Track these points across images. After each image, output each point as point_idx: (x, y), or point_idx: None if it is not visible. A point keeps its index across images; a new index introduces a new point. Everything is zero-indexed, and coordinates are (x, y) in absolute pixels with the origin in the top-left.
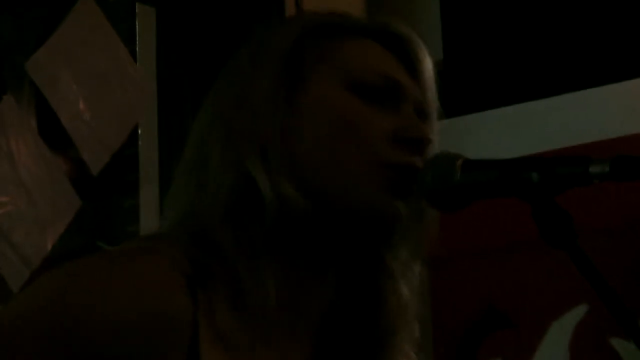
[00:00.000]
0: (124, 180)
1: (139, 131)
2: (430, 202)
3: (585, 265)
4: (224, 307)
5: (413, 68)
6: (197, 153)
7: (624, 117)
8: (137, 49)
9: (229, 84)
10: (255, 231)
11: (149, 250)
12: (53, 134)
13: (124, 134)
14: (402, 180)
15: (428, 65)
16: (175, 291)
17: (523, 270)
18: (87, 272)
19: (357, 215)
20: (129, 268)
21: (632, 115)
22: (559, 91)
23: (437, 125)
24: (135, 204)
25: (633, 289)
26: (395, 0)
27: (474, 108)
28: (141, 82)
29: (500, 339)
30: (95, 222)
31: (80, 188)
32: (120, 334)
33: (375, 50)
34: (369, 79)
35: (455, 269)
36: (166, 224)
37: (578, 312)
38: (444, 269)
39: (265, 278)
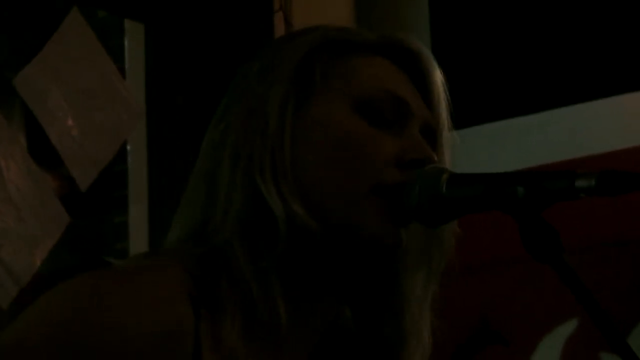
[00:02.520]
0: (113, 197)
1: (128, 147)
2: (416, 217)
3: (571, 279)
4: (230, 324)
5: (423, 84)
6: (207, 170)
7: (611, 133)
8: (125, 65)
9: (238, 101)
10: (267, 249)
11: (154, 268)
12: (43, 151)
13: (113, 150)
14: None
15: (439, 80)
16: (178, 306)
17: (513, 285)
18: (94, 289)
19: (358, 241)
20: (135, 287)
21: (619, 131)
22: (546, 107)
23: (449, 140)
24: (124, 221)
25: (626, 305)
26: (383, 15)
27: (461, 124)
28: (130, 99)
29: (491, 355)
30: (85, 239)
31: (69, 205)
32: (127, 350)
33: (384, 68)
34: (376, 99)
35: (445, 285)
36: (173, 239)
37: (568, 327)
38: None
39: (277, 297)
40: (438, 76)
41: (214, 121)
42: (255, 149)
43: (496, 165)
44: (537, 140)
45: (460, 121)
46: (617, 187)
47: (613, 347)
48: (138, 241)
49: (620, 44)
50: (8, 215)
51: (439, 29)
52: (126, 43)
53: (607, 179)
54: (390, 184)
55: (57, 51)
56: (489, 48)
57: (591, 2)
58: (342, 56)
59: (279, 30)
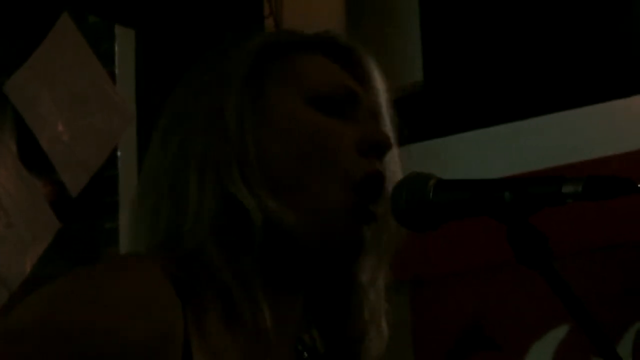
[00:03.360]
0: (103, 202)
1: (118, 153)
2: (403, 223)
3: (559, 285)
4: (216, 326)
5: (362, 78)
6: (169, 181)
7: (600, 139)
8: (116, 70)
9: (193, 112)
10: (243, 248)
11: (140, 264)
12: (33, 156)
13: (104, 155)
14: (370, 197)
15: (377, 74)
16: (168, 307)
17: (504, 290)
18: (81, 287)
19: (324, 238)
20: (123, 282)
21: (608, 137)
22: (537, 113)
23: (390, 128)
24: (114, 226)
25: (616, 311)
26: (375, 23)
27: (452, 130)
28: (120, 104)
29: (484, 359)
30: (75, 244)
31: (60, 210)
32: (117, 349)
33: (326, 64)
34: (328, 92)
35: (437, 290)
36: (140, 247)
37: (559, 333)
38: (425, 290)
39: (259, 297)
40: (376, 71)
41: (168, 129)
42: (220, 154)
43: (487, 172)
44: (528, 146)
45: (450, 128)
46: (603, 193)
47: (601, 353)
48: (128, 246)
49: (612, 50)
50: None
51: (429, 32)
52: (117, 48)
53: (594, 184)
54: (358, 175)
55: (47, 56)
56: (480, 52)
57: (583, 8)
58: (286, 56)
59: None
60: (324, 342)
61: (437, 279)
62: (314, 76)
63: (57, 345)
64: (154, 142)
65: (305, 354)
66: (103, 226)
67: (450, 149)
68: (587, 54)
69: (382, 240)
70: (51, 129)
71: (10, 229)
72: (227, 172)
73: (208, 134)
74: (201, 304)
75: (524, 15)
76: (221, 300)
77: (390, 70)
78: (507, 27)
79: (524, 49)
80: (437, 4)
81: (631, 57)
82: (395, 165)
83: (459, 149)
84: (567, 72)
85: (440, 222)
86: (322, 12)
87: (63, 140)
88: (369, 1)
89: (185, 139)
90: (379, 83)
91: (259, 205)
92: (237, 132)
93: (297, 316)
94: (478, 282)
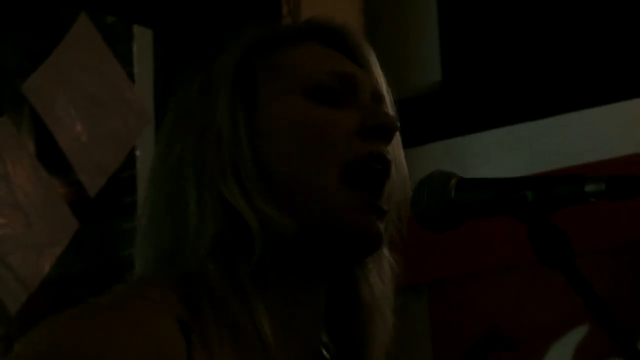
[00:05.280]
0: (121, 203)
1: (137, 153)
2: (424, 222)
3: (581, 285)
4: (220, 345)
5: (357, 58)
6: (168, 194)
7: (620, 138)
8: (134, 70)
9: (187, 122)
10: (245, 262)
11: (141, 297)
12: (51, 157)
13: (122, 156)
14: (375, 188)
15: (371, 52)
16: (168, 334)
17: (522, 291)
18: (84, 323)
19: (337, 237)
20: (123, 317)
21: (628, 136)
22: (556, 112)
23: (392, 106)
24: (132, 227)
25: (635, 310)
26: (393, 22)
27: (472, 129)
28: (139, 104)
29: None
30: (93, 245)
31: (78, 210)
32: None
33: (319, 51)
34: (322, 81)
35: (455, 292)
36: (146, 264)
37: (578, 333)
38: (443, 291)
39: (258, 313)
40: (370, 49)
41: (164, 147)
42: (215, 162)
43: (505, 171)
44: (547, 145)
45: (468, 127)
46: (626, 192)
47: (623, 353)
48: None
49: (632, 48)
50: (16, 222)
51: (448, 33)
52: (135, 48)
53: (617, 183)
54: (358, 160)
55: (65, 57)
56: (498, 52)
57: (601, 8)
58: (276, 51)
59: None
60: (332, 343)
61: (456, 281)
62: (306, 67)
63: None
64: (156, 152)
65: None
66: (121, 227)
67: (469, 148)
68: (606, 52)
69: (389, 228)
70: (69, 130)
71: (28, 229)
72: (223, 181)
73: (202, 143)
74: (207, 324)
75: (542, 15)
76: (224, 318)
77: (409, 70)
78: (525, 26)
79: (543, 48)
80: (456, 3)
81: None
82: (399, 149)
83: (477, 148)
84: (586, 70)
85: (461, 221)
86: (340, 11)
87: (81, 141)
88: (387, 1)
89: (182, 151)
90: (376, 65)
91: (256, 214)
92: (230, 137)
93: (314, 318)
94: (496, 283)
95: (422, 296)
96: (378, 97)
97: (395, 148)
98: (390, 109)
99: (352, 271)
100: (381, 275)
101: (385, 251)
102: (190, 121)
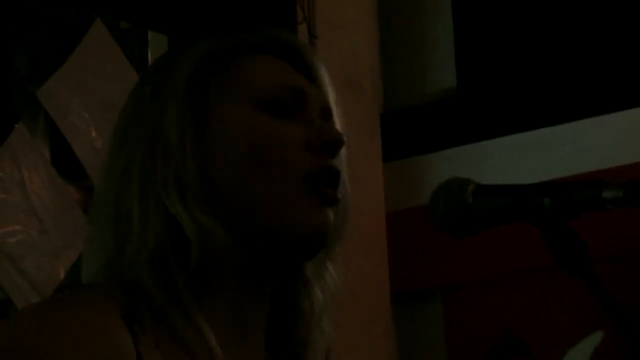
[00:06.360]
0: None
1: None
2: (442, 228)
3: (599, 291)
4: (167, 354)
5: (308, 72)
6: (114, 199)
7: (636, 143)
8: None
9: (137, 126)
10: (184, 272)
11: (86, 296)
12: (66, 163)
13: None
14: (326, 187)
15: (322, 67)
16: (117, 328)
17: (538, 297)
18: (33, 321)
19: (289, 232)
20: (70, 314)
21: None
22: (572, 118)
23: (340, 124)
24: None
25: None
26: (408, 29)
27: (487, 135)
28: None
29: None
30: None
31: None
32: None
33: (272, 64)
34: (273, 94)
35: (470, 297)
36: (91, 273)
37: (594, 339)
38: (458, 297)
39: (199, 322)
40: (321, 65)
41: (111, 155)
42: (160, 169)
43: (520, 177)
44: (562, 151)
45: (483, 133)
46: None
47: None
48: None
49: None
50: (31, 227)
51: (463, 39)
52: (149, 54)
53: (635, 189)
54: (309, 172)
55: (80, 63)
56: (512, 58)
57: (616, 13)
58: (230, 62)
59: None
60: (271, 348)
61: (471, 286)
62: (257, 80)
63: None
64: (104, 160)
65: None
66: None
67: (484, 155)
68: (622, 58)
69: (336, 233)
70: (84, 136)
71: (43, 235)
72: (163, 188)
73: (150, 148)
74: (149, 332)
75: (557, 21)
76: (164, 324)
77: (424, 76)
78: (540, 32)
79: (558, 53)
80: (470, 10)
81: None
82: (343, 165)
83: (492, 155)
84: (602, 76)
85: (478, 228)
86: (354, 18)
87: (96, 146)
88: (401, 7)
89: (130, 156)
90: (327, 80)
91: (195, 224)
92: (177, 146)
93: (256, 327)
94: (511, 289)
95: (437, 301)
96: (327, 112)
97: (342, 163)
98: (338, 124)
99: (292, 283)
100: (322, 287)
101: (328, 264)
102: (139, 128)
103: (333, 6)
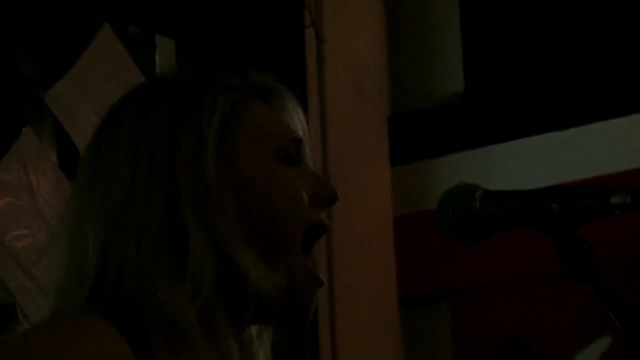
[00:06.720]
0: None
1: None
2: (450, 234)
3: (608, 297)
4: None
5: (294, 121)
6: (112, 236)
7: None
8: None
9: (148, 163)
10: (193, 303)
11: (84, 320)
12: (74, 166)
13: None
14: (312, 243)
15: (301, 113)
16: (118, 343)
17: (545, 301)
18: (36, 343)
19: (291, 299)
20: (73, 333)
21: None
22: (579, 122)
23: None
24: None
25: None
26: (416, 32)
27: (495, 139)
28: None
29: None
30: None
31: None
32: None
33: (269, 111)
34: (288, 146)
35: (477, 301)
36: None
37: (602, 344)
38: (465, 300)
39: (224, 332)
40: (299, 109)
41: (106, 177)
42: (205, 206)
43: (528, 181)
44: (570, 156)
45: (490, 138)
46: None
47: None
48: None
49: None
50: (39, 231)
51: (470, 43)
52: (157, 58)
53: None
54: (313, 227)
55: (88, 67)
56: (520, 62)
57: (622, 19)
58: (245, 108)
59: (310, 45)
60: None
61: (478, 290)
62: (275, 130)
63: None
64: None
65: None
66: None
67: (491, 159)
68: (630, 62)
69: None
70: None
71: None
72: (207, 232)
73: (193, 201)
74: (154, 350)
75: (564, 25)
76: (177, 343)
77: (432, 80)
78: (548, 36)
79: (566, 58)
80: (478, 14)
81: None
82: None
83: (500, 159)
84: (609, 81)
85: (486, 233)
86: (362, 21)
87: None
88: (409, 12)
89: (149, 190)
90: (304, 122)
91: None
92: (216, 183)
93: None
94: (519, 293)
95: (444, 305)
96: (304, 157)
97: None
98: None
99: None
100: (264, 347)
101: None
102: (170, 180)
103: (341, 10)
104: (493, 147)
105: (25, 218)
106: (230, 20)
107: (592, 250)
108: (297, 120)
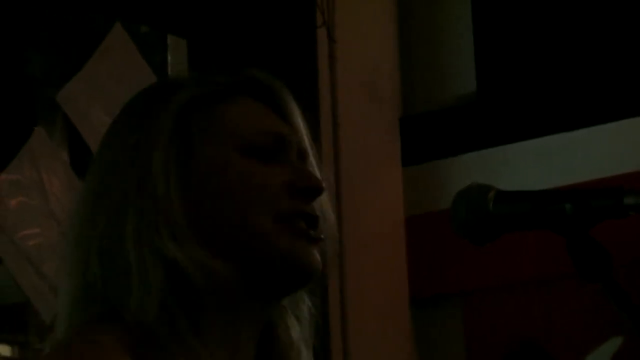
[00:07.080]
0: None
1: None
2: (463, 234)
3: (621, 298)
4: None
5: (283, 113)
6: (104, 247)
7: None
8: None
9: (120, 176)
10: (186, 309)
11: (94, 340)
12: (85, 165)
13: None
14: (308, 228)
15: (296, 108)
16: None
17: (557, 302)
18: None
19: (276, 272)
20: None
21: None
22: (593, 122)
23: (316, 156)
24: None
25: None
26: (428, 33)
27: (507, 139)
28: None
29: None
30: None
31: None
32: None
33: (251, 108)
34: (257, 141)
35: (489, 303)
36: (69, 314)
37: (613, 345)
38: (477, 302)
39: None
40: (295, 105)
41: (95, 200)
42: (152, 219)
43: (540, 181)
44: (582, 156)
45: (503, 138)
46: None
47: None
48: None
49: None
50: (51, 230)
51: (482, 43)
52: (169, 58)
53: None
54: (290, 213)
55: (100, 67)
56: (533, 63)
57: (633, 22)
58: (211, 107)
59: (322, 45)
60: None
61: (490, 291)
62: (241, 126)
63: None
64: (83, 201)
65: None
66: None
67: (504, 159)
68: None
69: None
70: None
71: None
72: (159, 235)
73: (140, 196)
74: None
75: (577, 26)
76: (159, 352)
77: (444, 80)
78: (559, 37)
79: (578, 59)
80: (490, 15)
81: None
82: (327, 205)
83: (512, 159)
84: (622, 81)
85: (499, 234)
86: (374, 22)
87: None
88: (421, 12)
89: (119, 205)
90: (301, 120)
91: (194, 264)
92: (164, 191)
93: (249, 356)
94: (530, 294)
95: (456, 306)
96: (303, 154)
97: (324, 204)
98: (314, 164)
99: (272, 315)
100: (299, 317)
101: (305, 296)
102: (122, 180)
103: (353, 10)
104: (505, 148)
105: (37, 217)
106: (242, 20)
107: (606, 251)
108: (289, 115)
